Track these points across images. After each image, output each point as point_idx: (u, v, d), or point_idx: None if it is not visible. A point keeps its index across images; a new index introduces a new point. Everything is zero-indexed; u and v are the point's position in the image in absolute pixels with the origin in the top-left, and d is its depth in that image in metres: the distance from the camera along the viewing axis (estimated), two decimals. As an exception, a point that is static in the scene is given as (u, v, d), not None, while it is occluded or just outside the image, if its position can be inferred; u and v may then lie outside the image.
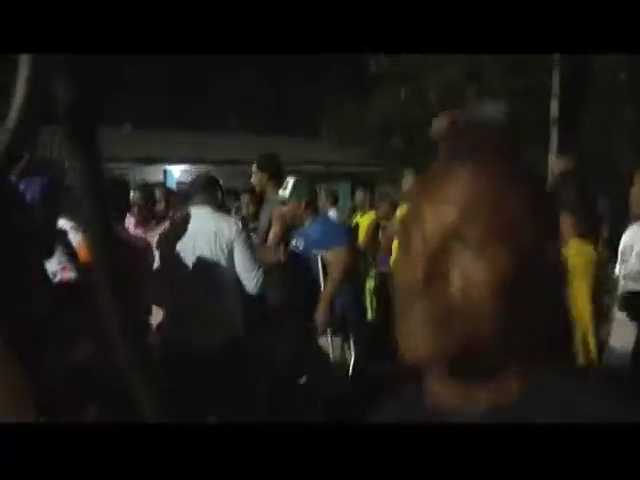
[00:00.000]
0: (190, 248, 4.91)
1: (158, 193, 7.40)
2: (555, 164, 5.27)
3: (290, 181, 5.59)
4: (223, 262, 4.88)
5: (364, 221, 8.58)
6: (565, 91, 17.63)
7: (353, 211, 9.28)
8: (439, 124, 4.94)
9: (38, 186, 3.35)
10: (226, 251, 4.89)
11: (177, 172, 22.29)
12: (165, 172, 22.28)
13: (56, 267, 3.53)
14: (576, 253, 4.19)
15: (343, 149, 20.28)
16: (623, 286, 4.49)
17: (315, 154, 22.46)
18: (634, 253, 4.61)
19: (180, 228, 4.92)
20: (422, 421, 1.40)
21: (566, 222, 4.17)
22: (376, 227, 8.53)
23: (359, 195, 9.02)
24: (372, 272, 8.36)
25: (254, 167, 6.59)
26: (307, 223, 5.53)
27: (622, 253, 4.69)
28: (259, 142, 24.79)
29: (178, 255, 4.89)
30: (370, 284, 8.33)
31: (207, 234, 4.89)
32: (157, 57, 31.89)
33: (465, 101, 16.80)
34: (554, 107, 17.60)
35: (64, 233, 3.79)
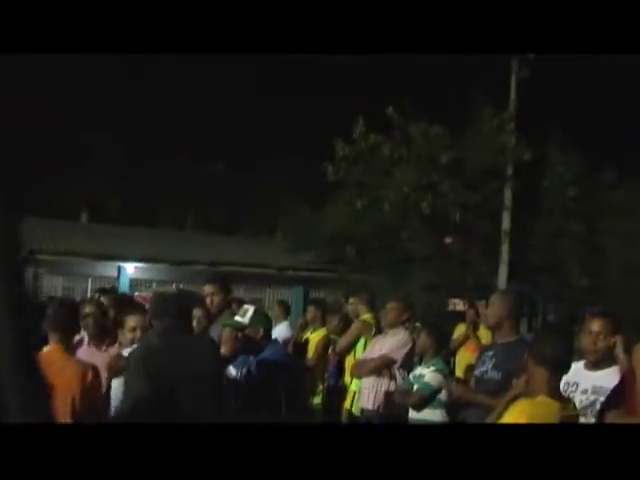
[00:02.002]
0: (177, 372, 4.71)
1: (109, 302, 6.98)
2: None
3: (250, 309, 5.79)
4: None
5: (315, 337, 8.62)
6: (516, 206, 18.13)
7: (304, 327, 9.34)
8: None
9: None
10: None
11: (131, 269, 22.24)
12: (119, 268, 22.21)
13: None
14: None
15: (296, 254, 20.46)
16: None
17: (268, 258, 22.62)
18: (579, 390, 4.74)
19: (159, 351, 4.77)
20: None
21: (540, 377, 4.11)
22: (326, 343, 8.58)
23: (311, 311, 9.12)
24: (319, 388, 8.34)
25: (211, 287, 6.57)
26: (264, 350, 5.70)
27: (563, 390, 4.77)
28: (213, 243, 25.01)
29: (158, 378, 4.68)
30: (317, 400, 8.29)
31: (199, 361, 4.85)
32: (115, 149, 32.15)
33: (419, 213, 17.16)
34: (506, 221, 18.05)
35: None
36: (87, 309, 6.16)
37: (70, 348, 5.18)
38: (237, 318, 5.81)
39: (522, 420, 3.80)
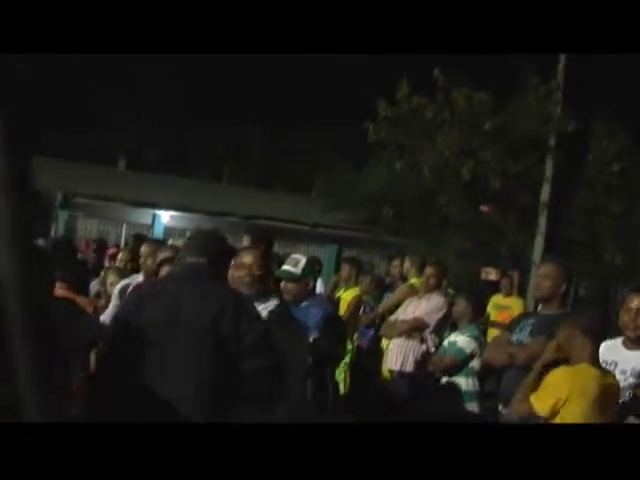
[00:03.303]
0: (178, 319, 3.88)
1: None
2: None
3: (302, 259, 5.48)
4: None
5: (347, 296, 8.55)
6: (557, 177, 17.84)
7: (337, 285, 9.32)
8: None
9: None
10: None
11: (166, 217, 22.34)
12: (154, 216, 22.33)
13: None
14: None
15: (331, 212, 20.37)
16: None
17: (303, 214, 22.59)
18: (618, 369, 4.65)
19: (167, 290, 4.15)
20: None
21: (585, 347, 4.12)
22: (358, 302, 8.54)
23: (345, 269, 9.06)
24: (349, 347, 8.32)
25: (248, 240, 6.19)
26: (306, 302, 5.42)
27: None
28: (248, 196, 25.02)
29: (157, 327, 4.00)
30: (345, 358, 8.28)
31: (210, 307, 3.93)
32: (156, 102, 32.18)
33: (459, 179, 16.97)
34: (545, 192, 17.77)
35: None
36: (167, 253, 5.76)
37: (83, 291, 5.19)
38: (288, 268, 5.51)
39: (565, 386, 3.85)
